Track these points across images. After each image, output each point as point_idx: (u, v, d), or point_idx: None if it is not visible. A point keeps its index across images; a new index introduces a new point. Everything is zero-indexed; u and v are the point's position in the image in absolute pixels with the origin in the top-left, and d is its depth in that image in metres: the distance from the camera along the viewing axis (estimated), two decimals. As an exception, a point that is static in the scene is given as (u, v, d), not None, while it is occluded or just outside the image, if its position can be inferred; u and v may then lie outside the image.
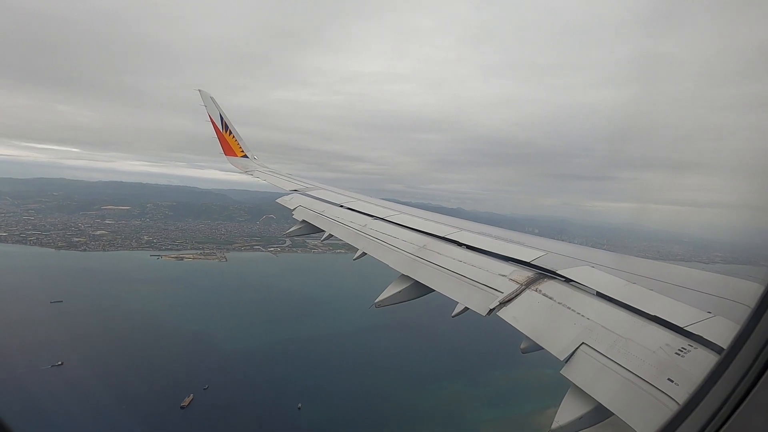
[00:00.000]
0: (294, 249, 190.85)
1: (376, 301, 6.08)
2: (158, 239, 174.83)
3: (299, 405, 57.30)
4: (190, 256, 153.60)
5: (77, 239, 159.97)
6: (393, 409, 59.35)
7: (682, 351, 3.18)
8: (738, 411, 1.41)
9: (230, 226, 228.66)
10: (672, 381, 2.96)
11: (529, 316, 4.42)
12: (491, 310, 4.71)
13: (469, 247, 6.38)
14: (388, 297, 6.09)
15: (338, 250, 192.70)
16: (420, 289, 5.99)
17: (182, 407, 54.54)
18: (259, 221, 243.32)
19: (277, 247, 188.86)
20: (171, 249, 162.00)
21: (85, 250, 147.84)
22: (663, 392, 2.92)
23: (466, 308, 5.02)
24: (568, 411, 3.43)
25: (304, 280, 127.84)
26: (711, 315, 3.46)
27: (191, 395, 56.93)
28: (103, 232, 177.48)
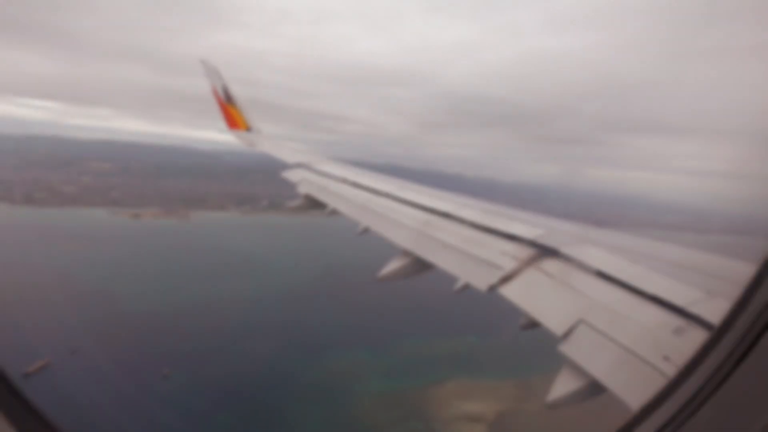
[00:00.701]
0: (267, 210, 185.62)
1: (379, 275, 6.22)
2: (127, 197, 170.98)
3: (167, 371, 52.17)
4: (150, 213, 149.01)
5: (39, 195, 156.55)
6: (271, 377, 53.93)
7: (679, 330, 3.21)
8: (724, 386, 1.46)
9: (213, 185, 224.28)
10: (668, 359, 3.00)
11: (529, 293, 4.47)
12: (492, 287, 4.78)
13: (471, 224, 6.38)
14: (391, 272, 6.16)
15: (311, 213, 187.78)
16: (422, 265, 6.05)
17: (27, 374, 49.59)
18: (244, 181, 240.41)
19: (249, 207, 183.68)
20: (135, 206, 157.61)
21: (41, 205, 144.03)
22: (658, 369, 2.96)
23: (467, 284, 5.12)
24: (563, 385, 3.50)
25: (253, 241, 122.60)
26: (711, 296, 3.42)
27: (46, 359, 52.04)
28: (73, 188, 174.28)
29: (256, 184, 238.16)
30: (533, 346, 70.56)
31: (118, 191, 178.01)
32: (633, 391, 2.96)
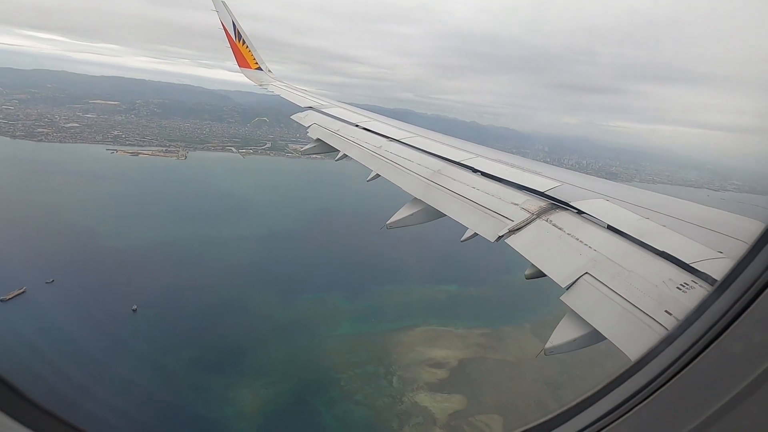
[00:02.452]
0: (268, 152, 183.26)
1: (388, 222, 6.22)
2: (129, 135, 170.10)
3: (134, 307, 53.02)
4: (149, 152, 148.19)
5: (41, 130, 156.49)
6: (240, 315, 54.58)
7: (684, 286, 3.21)
8: (721, 339, 1.56)
9: (217, 126, 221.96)
10: (669, 313, 3.03)
11: (537, 244, 4.48)
12: (500, 237, 4.76)
13: (483, 174, 6.35)
14: (400, 219, 6.20)
15: (314, 156, 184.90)
16: (432, 214, 6.08)
17: (4, 300, 51.04)
18: (250, 123, 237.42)
19: (249, 149, 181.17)
20: (136, 145, 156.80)
21: (40, 140, 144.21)
22: (659, 323, 3.01)
23: (476, 234, 5.15)
24: (562, 333, 3.55)
25: (248, 182, 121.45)
26: (722, 255, 3.42)
27: (23, 288, 53.28)
28: (75, 124, 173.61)
29: (262, 126, 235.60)
30: (512, 298, 69.90)
31: (121, 129, 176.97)
32: (630, 341, 3.02)
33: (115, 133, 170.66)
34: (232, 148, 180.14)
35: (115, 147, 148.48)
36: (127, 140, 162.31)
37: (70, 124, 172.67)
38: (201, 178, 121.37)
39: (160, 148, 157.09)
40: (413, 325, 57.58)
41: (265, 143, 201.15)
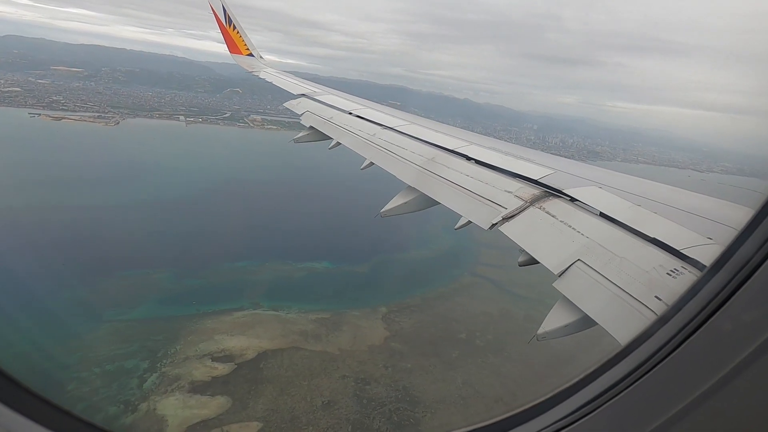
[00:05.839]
0: (220, 121, 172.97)
1: (382, 211, 6.20)
2: (70, 101, 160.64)
3: None
4: (76, 118, 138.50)
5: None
6: (21, 297, 45.51)
7: (674, 272, 3.23)
8: (708, 323, 1.59)
9: (182, 95, 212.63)
10: (659, 299, 3.06)
11: (530, 232, 4.47)
12: (493, 225, 4.78)
13: (477, 162, 6.32)
14: (394, 207, 6.16)
15: (269, 126, 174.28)
16: (426, 201, 6.04)
17: None
18: (221, 94, 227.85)
19: (200, 118, 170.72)
20: (70, 110, 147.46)
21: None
22: (649, 308, 3.04)
23: (469, 222, 5.13)
24: (554, 319, 3.56)
25: (161, 150, 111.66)
26: (711, 242, 3.42)
27: None
28: (17, 89, 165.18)
29: (233, 96, 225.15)
30: (386, 278, 60.08)
31: (66, 95, 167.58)
32: (621, 327, 3.02)
33: (55, 98, 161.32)
34: (180, 117, 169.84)
35: (39, 111, 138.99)
36: (64, 105, 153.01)
37: (9, 89, 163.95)
38: (111, 144, 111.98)
39: (93, 114, 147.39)
40: (237, 307, 47.98)
41: (226, 113, 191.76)
